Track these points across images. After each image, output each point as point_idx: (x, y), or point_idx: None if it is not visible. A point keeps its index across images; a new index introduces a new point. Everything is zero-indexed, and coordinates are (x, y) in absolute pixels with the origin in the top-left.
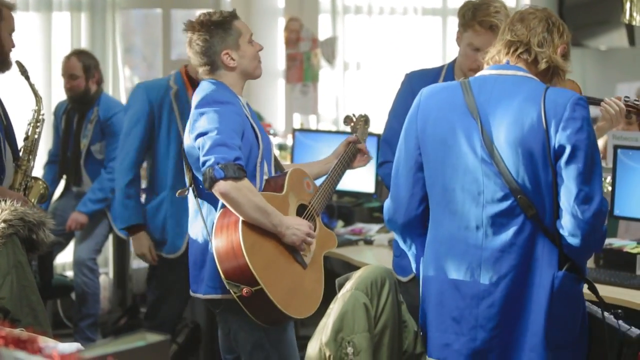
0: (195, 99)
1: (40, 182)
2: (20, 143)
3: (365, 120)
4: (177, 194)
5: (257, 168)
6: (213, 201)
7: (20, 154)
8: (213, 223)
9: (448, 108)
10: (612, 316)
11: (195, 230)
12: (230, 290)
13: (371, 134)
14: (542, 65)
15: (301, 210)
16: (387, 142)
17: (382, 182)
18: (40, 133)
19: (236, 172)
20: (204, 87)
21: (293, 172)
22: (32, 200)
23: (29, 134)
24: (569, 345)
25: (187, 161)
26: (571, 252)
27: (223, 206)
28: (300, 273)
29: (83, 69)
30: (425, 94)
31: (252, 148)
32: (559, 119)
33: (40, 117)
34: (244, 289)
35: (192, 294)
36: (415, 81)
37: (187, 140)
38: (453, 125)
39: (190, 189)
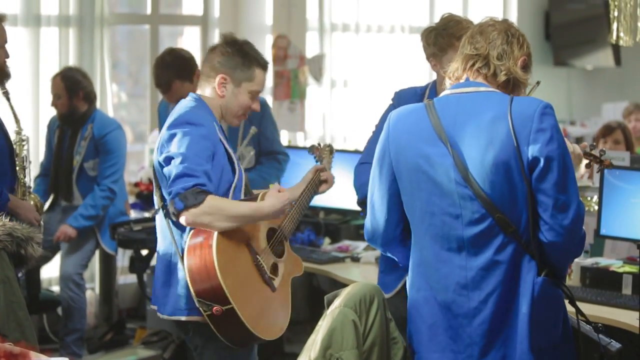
0: (170, 117)
1: (33, 196)
2: None
3: (330, 150)
4: (150, 214)
5: (230, 194)
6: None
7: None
8: (182, 244)
9: (417, 134)
10: (592, 329)
11: (163, 248)
12: (200, 309)
13: (358, 152)
14: (501, 78)
15: (271, 234)
16: (366, 153)
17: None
18: (28, 150)
19: (196, 198)
20: (182, 106)
21: (264, 195)
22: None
23: (17, 152)
24: (550, 348)
25: (156, 178)
26: (553, 259)
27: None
28: (269, 295)
29: (65, 88)
30: (393, 119)
31: (224, 172)
32: (527, 131)
33: (23, 136)
34: (215, 307)
35: (157, 312)
36: (404, 99)
37: (156, 158)
38: (424, 152)
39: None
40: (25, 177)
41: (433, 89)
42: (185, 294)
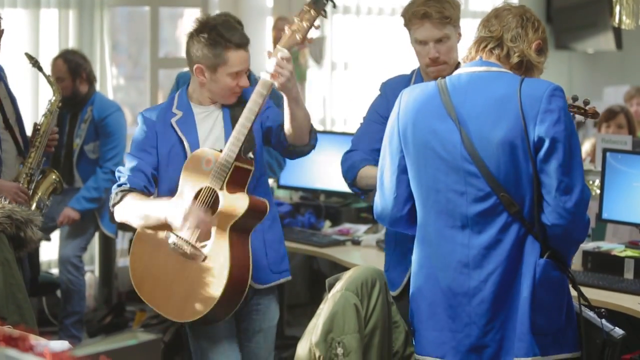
0: None
1: (54, 176)
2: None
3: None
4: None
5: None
6: None
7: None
8: None
9: (427, 110)
10: (596, 315)
11: None
12: None
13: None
14: (514, 60)
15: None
16: (354, 142)
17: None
18: (51, 125)
19: (113, 199)
20: None
21: (185, 162)
22: (39, 192)
23: (42, 125)
24: (551, 333)
25: None
26: (556, 244)
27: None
28: (194, 268)
29: (68, 71)
30: (405, 96)
31: (172, 158)
32: (535, 112)
33: (55, 108)
34: None
35: None
36: (392, 88)
37: None
38: (433, 128)
39: None
40: (36, 152)
41: (419, 74)
42: None
